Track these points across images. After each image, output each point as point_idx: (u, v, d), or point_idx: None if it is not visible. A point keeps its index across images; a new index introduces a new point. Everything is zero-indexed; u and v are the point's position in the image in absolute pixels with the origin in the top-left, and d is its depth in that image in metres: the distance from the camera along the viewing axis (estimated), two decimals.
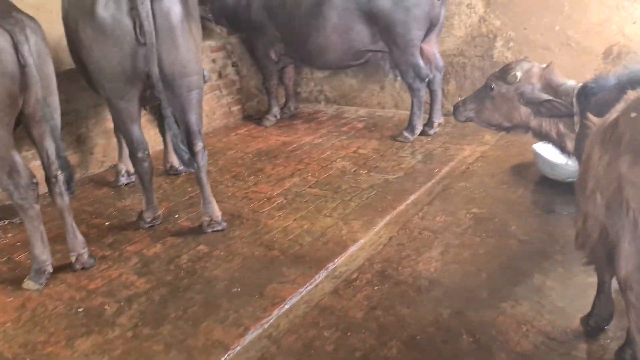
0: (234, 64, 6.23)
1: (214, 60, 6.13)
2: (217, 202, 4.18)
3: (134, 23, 3.11)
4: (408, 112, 5.48)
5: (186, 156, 3.42)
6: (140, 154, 3.59)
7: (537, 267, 3.10)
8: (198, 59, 3.46)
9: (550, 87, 2.93)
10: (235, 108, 6.47)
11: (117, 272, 3.38)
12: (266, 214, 4.05)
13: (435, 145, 5.21)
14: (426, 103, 5.49)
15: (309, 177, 4.68)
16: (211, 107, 6.13)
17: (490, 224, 3.65)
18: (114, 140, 4.85)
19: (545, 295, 2.85)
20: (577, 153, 2.76)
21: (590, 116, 1.88)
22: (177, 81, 3.36)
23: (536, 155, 4.28)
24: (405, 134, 5.36)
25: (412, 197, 4.16)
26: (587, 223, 1.82)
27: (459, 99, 5.84)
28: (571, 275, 3.00)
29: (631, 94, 1.72)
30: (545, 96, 2.87)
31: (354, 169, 4.79)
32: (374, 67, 6.00)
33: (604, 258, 1.78)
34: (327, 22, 5.12)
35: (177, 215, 4.11)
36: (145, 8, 3.06)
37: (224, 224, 3.79)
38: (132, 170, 4.41)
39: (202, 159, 3.60)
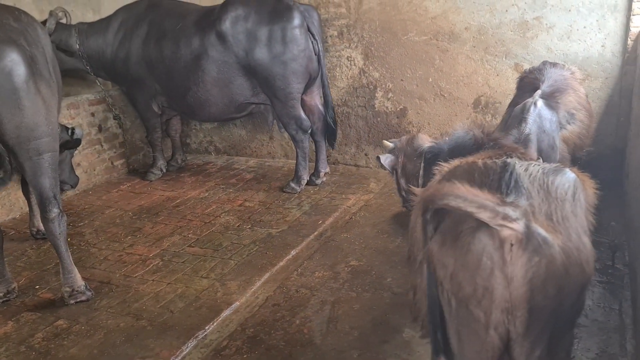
0: (115, 117, 5.98)
1: (92, 114, 5.84)
2: (87, 267, 3.94)
3: None
4: None
5: None
6: None
7: (408, 321, 3.10)
8: (50, 120, 3.24)
9: (410, 150, 3.10)
10: (118, 162, 6.17)
11: None
12: (139, 278, 3.81)
13: (322, 195, 5.23)
14: (314, 152, 5.53)
15: (189, 235, 4.49)
16: (90, 163, 5.81)
17: (367, 277, 3.65)
18: None
19: (413, 352, 2.84)
20: None
21: (412, 187, 1.90)
22: (24, 145, 3.11)
23: None
24: (292, 185, 5.34)
25: (293, 252, 4.10)
26: (416, 295, 1.81)
27: (345, 147, 6.00)
28: None
29: (444, 166, 1.76)
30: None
31: (237, 224, 4.67)
32: (262, 117, 6.00)
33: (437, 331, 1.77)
34: (206, 75, 5.05)
35: (37, 286, 3.76)
36: None
37: (89, 294, 3.51)
38: None
39: (59, 226, 3.33)
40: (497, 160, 1.57)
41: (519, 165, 1.53)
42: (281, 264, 3.94)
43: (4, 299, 3.51)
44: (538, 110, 3.35)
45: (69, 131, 4.50)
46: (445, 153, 2.42)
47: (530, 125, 3.20)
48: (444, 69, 5.36)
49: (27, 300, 3.59)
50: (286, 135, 6.20)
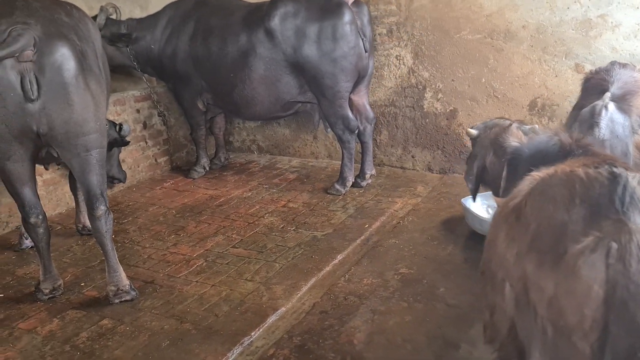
0: (160, 114, 5.96)
1: (138, 110, 5.84)
2: (131, 266, 3.89)
3: (21, 78, 2.83)
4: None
5: None
6: (33, 219, 3.24)
7: (465, 336, 2.92)
8: (98, 116, 3.19)
9: (497, 146, 2.79)
10: (162, 159, 6.16)
11: (1, 356, 2.97)
12: (183, 279, 3.74)
13: (367, 198, 5.07)
14: (359, 153, 5.38)
15: (233, 236, 4.40)
16: (135, 159, 5.80)
17: (419, 286, 3.47)
18: None
19: None
20: None
21: (494, 197, 1.72)
22: (73, 141, 3.07)
23: (465, 210, 4.18)
24: (337, 186, 5.20)
25: (340, 257, 3.96)
26: (494, 316, 1.63)
27: (390, 148, 5.83)
28: None
29: (535, 175, 1.57)
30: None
31: (281, 226, 4.56)
32: (306, 117, 5.89)
33: (515, 358, 1.59)
34: (253, 73, 4.96)
35: (83, 284, 3.73)
36: (9, 51, 2.78)
37: (133, 293, 3.45)
38: None
39: (106, 224, 3.28)
40: (601, 171, 1.38)
41: (631, 177, 1.33)
42: (327, 268, 3.80)
43: (50, 296, 3.49)
44: (610, 114, 3.10)
45: (117, 127, 4.49)
46: (524, 158, 2.21)
47: (604, 131, 2.96)
48: (498, 69, 5.13)
49: (73, 297, 3.56)
50: (330, 135, 6.06)
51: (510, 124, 2.70)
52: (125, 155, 5.61)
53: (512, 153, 2.32)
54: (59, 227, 4.71)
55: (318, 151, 6.33)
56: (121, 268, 3.44)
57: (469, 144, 5.39)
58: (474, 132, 2.93)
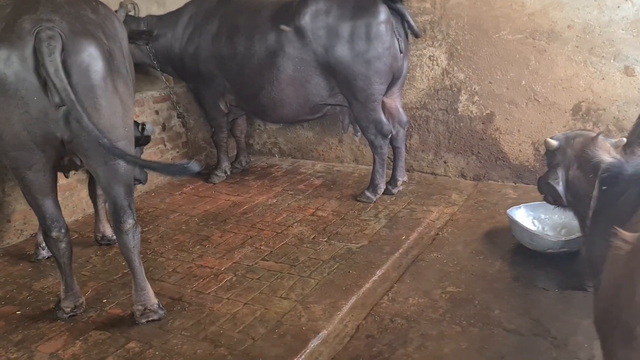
0: (179, 115, 5.70)
1: (157, 112, 5.59)
2: (156, 280, 3.64)
3: (44, 81, 2.57)
4: (369, 167, 5.08)
5: None
6: (54, 233, 2.98)
7: None
8: (127, 122, 2.93)
9: (583, 159, 2.49)
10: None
11: None
12: (212, 296, 3.48)
13: (400, 207, 4.80)
14: (390, 159, 5.11)
15: (262, 247, 4.14)
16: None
17: (471, 308, 3.20)
18: None
19: None
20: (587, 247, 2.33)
21: (621, 231, 1.44)
22: (100, 148, 2.81)
23: (512, 222, 3.91)
24: (368, 193, 4.93)
25: (379, 272, 3.69)
26: None
27: (421, 153, 5.55)
28: None
29: None
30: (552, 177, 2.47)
31: (312, 236, 4.29)
32: (331, 119, 5.62)
33: None
34: (281, 74, 4.69)
35: (105, 300, 3.47)
36: (54, 63, 2.52)
37: (161, 312, 3.19)
38: None
39: (133, 239, 3.01)
40: None
41: None
42: (367, 285, 3.54)
43: (71, 314, 3.23)
44: None
45: (140, 127, 4.27)
46: (627, 176, 1.94)
47: None
48: (540, 71, 4.84)
49: (95, 316, 3.30)
50: (357, 139, 5.81)
51: (597, 135, 2.42)
52: (144, 158, 5.34)
53: (607, 170, 2.04)
54: (76, 236, 4.45)
55: (343, 155, 6.06)
56: (149, 286, 3.18)
57: (507, 149, 5.15)
58: (554, 142, 2.64)
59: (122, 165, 2.93)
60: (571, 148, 2.53)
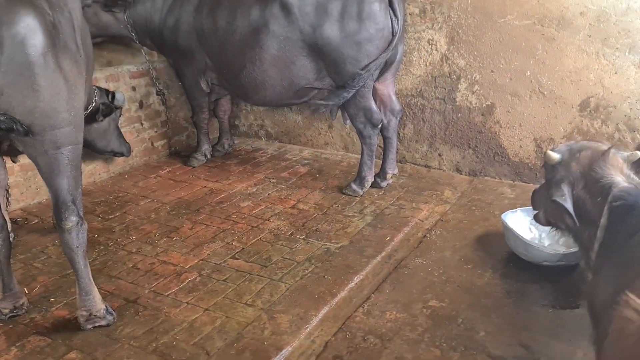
0: (159, 92, 5.32)
1: (134, 88, 5.20)
2: (112, 277, 3.36)
3: None
4: (359, 156, 4.71)
5: None
6: None
7: None
8: (73, 105, 2.56)
9: (591, 178, 2.11)
10: (159, 143, 5.54)
11: None
12: (171, 299, 3.16)
13: (388, 202, 4.45)
14: (380, 149, 4.75)
15: (233, 243, 3.81)
16: (129, 143, 5.17)
17: (454, 327, 2.88)
18: None
19: None
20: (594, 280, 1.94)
21: (633, 299, 1.10)
22: (39, 135, 2.45)
23: (506, 229, 3.56)
24: (354, 186, 4.58)
25: (357, 279, 3.36)
26: None
27: (415, 144, 5.19)
28: None
29: None
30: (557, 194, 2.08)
31: (290, 232, 3.96)
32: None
33: None
34: (264, 53, 4.29)
35: (52, 299, 3.15)
36: None
37: (110, 318, 2.87)
38: None
39: (77, 239, 2.67)
40: None
41: None
42: (342, 294, 3.21)
43: (11, 315, 2.92)
44: None
45: (109, 96, 4.00)
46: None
47: None
48: (547, 61, 4.43)
49: (39, 317, 2.98)
50: (348, 126, 5.41)
51: (609, 149, 2.04)
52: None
53: (620, 198, 1.68)
54: (36, 221, 4.13)
55: (333, 141, 5.69)
56: (96, 289, 2.85)
57: (506, 144, 4.78)
58: (555, 155, 2.25)
59: (65, 154, 2.57)
60: (576, 162, 2.15)
